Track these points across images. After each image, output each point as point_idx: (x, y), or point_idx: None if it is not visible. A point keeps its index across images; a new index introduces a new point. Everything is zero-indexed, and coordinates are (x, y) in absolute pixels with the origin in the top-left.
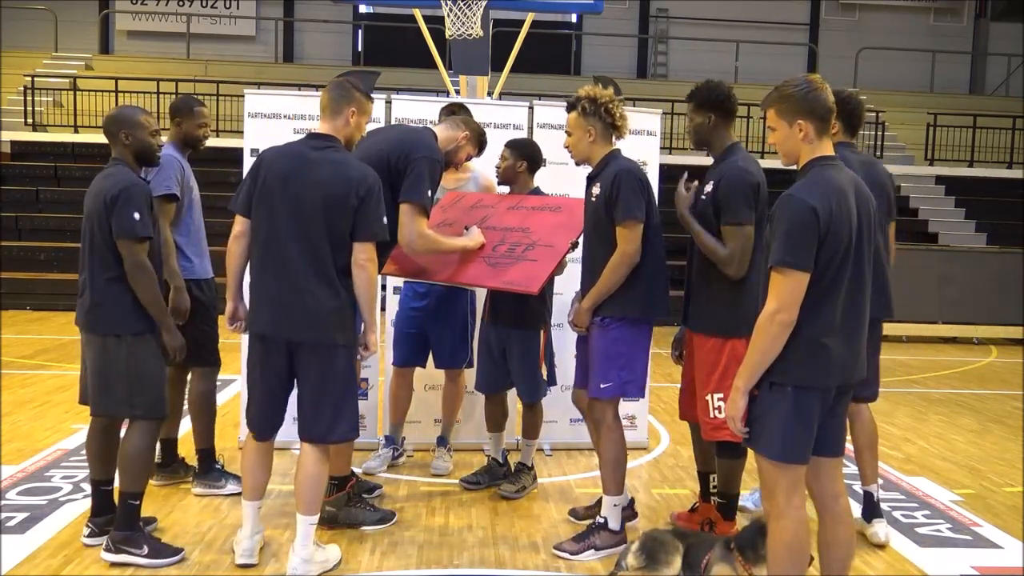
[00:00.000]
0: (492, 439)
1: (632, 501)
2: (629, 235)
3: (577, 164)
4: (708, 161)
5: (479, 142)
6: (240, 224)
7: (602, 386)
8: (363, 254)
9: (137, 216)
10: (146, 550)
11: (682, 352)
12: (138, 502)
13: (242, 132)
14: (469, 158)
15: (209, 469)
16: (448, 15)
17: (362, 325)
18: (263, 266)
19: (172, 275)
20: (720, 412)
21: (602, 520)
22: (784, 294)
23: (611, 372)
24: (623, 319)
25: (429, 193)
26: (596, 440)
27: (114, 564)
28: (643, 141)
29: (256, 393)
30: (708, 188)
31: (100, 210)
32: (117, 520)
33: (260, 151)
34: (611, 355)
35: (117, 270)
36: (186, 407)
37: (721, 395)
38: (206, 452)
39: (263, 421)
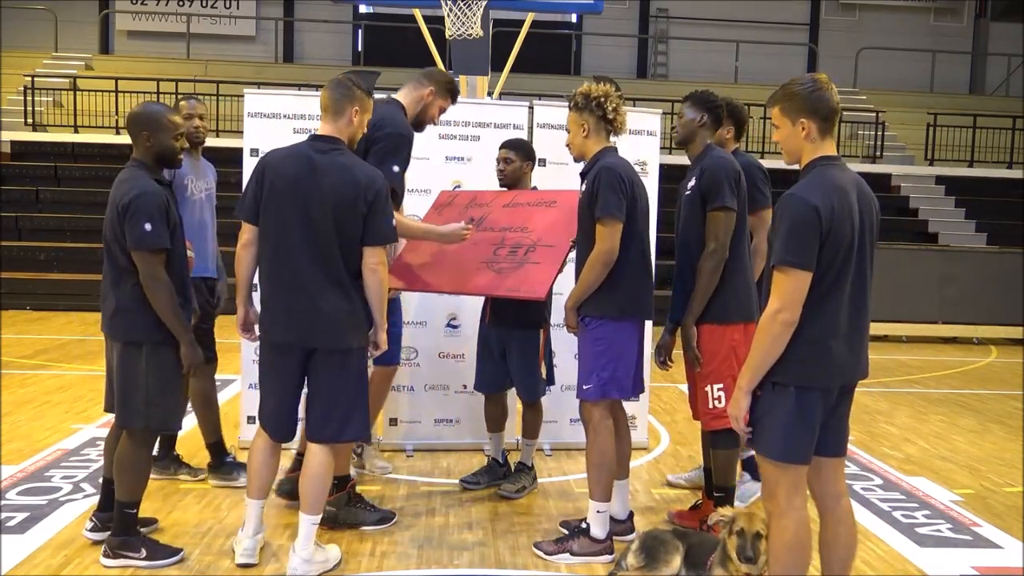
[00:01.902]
0: (492, 439)
1: (631, 515)
2: (606, 232)
3: (576, 161)
4: None
5: (449, 91)
6: (248, 232)
7: (584, 387)
8: (373, 258)
9: (148, 227)
10: (144, 553)
11: (666, 359)
12: (134, 510)
13: (242, 132)
14: (443, 111)
15: (221, 463)
16: (448, 15)
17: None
18: (274, 273)
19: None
20: (720, 402)
21: (585, 526)
22: (786, 293)
23: (592, 373)
24: (603, 318)
25: (396, 169)
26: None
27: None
28: (643, 141)
29: (271, 398)
30: (691, 183)
31: (114, 218)
32: (114, 526)
33: (262, 154)
34: (592, 355)
35: (137, 278)
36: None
37: (721, 385)
38: (215, 445)
39: (279, 425)
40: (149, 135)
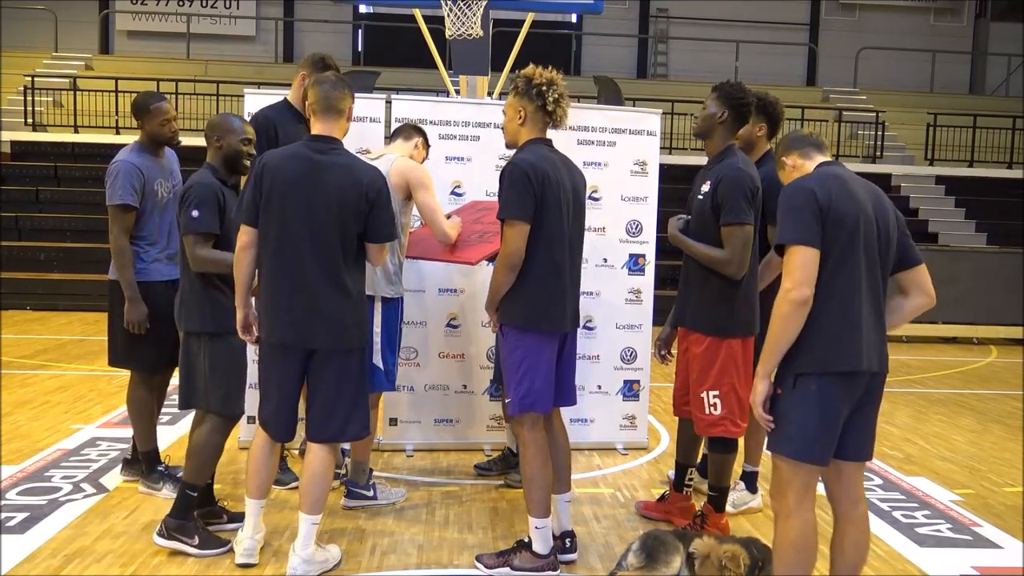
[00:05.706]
0: (507, 430)
1: (567, 534)
2: (508, 234)
3: (508, 148)
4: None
5: (319, 66)
6: (247, 234)
7: (506, 401)
8: (376, 255)
9: (195, 213)
10: (196, 540)
11: (667, 352)
12: (196, 494)
13: None
14: None
15: (152, 471)
16: (448, 15)
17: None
18: (276, 275)
19: (126, 286)
20: (715, 409)
21: (526, 540)
22: (794, 271)
23: (510, 387)
24: (512, 326)
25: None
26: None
27: (168, 548)
28: (643, 141)
29: (273, 400)
30: (705, 188)
31: (178, 211)
32: (173, 507)
33: (260, 157)
34: (510, 366)
35: (192, 271)
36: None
37: (716, 392)
38: (148, 454)
39: (280, 425)
40: (219, 138)
